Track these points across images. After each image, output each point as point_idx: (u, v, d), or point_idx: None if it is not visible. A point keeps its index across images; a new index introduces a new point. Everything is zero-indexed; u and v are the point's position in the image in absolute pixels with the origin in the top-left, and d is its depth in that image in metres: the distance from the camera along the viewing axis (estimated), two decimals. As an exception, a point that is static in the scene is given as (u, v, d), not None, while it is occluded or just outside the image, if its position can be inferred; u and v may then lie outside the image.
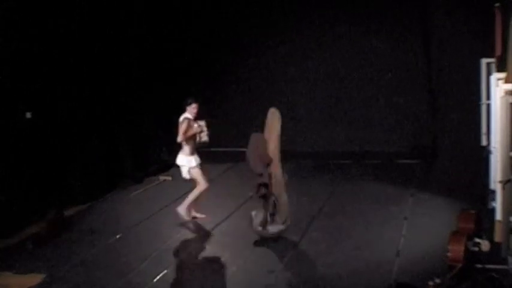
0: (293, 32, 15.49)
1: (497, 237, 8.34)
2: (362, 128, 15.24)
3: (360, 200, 11.37)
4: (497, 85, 8.89)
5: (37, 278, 8.43)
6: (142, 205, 11.63)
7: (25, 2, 10.76)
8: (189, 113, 10.29)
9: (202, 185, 10.37)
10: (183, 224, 10.45)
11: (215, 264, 8.77)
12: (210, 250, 9.34)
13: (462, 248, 7.45)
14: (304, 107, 15.61)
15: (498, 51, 9.31)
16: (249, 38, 15.64)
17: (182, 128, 10.17)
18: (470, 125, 11.20)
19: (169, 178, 13.66)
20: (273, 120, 9.77)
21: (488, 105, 9.83)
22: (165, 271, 8.56)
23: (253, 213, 9.67)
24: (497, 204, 8.51)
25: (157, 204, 11.63)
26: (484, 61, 10.30)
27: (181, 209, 10.42)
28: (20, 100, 10.80)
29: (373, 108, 15.14)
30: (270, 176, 9.54)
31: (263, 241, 9.50)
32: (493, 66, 9.70)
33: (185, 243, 9.60)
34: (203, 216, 10.61)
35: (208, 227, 10.25)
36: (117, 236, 10.05)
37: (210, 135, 10.50)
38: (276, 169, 9.66)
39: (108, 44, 12.68)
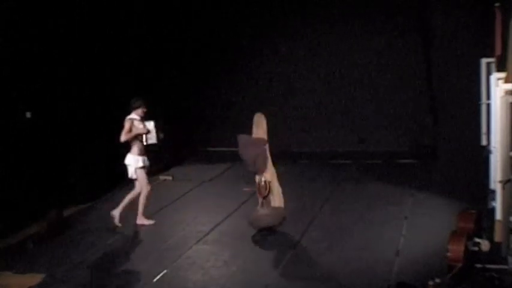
0: (293, 32, 15.50)
1: (497, 237, 8.34)
2: (362, 128, 15.25)
3: (360, 200, 11.36)
4: (497, 85, 8.89)
5: (37, 278, 8.42)
6: (142, 205, 11.63)
7: (25, 2, 10.76)
8: (136, 114, 10.30)
9: (145, 187, 10.35)
10: (182, 224, 10.46)
11: (215, 264, 8.76)
12: (210, 250, 9.33)
13: (462, 248, 7.45)
14: (304, 107, 15.61)
15: (498, 51, 9.32)
16: (248, 38, 15.64)
17: (125, 128, 10.18)
18: (470, 125, 11.19)
19: (170, 178, 13.68)
20: (259, 124, 9.99)
21: (488, 105, 9.83)
22: (165, 271, 8.56)
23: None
24: (497, 204, 8.51)
25: (157, 204, 11.61)
26: (484, 61, 10.30)
27: (140, 220, 10.41)
28: (20, 100, 10.80)
29: (373, 108, 15.15)
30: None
31: (263, 241, 9.50)
32: (493, 66, 9.70)
33: (185, 243, 9.59)
34: (151, 222, 10.53)
35: (208, 227, 10.25)
36: (117, 236, 10.05)
37: (160, 137, 10.46)
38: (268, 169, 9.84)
39: (108, 44, 12.68)
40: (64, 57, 11.50)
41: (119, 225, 10.33)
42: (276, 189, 9.81)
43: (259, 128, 10.03)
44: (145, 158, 10.44)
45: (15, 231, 10.12)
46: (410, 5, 14.32)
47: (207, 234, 9.97)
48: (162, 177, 13.68)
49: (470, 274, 7.50)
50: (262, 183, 9.73)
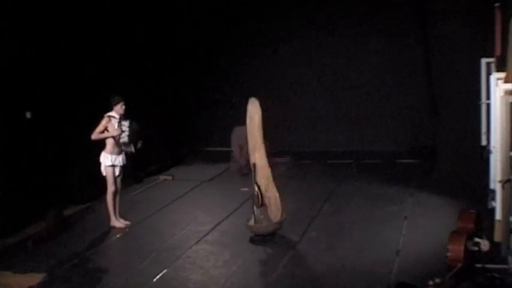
0: (293, 32, 15.51)
1: (497, 237, 8.35)
2: (362, 128, 15.27)
3: (360, 200, 11.37)
4: (497, 85, 8.90)
5: (37, 278, 8.41)
6: (142, 205, 11.63)
7: (25, 2, 10.75)
8: (116, 112, 10.06)
9: (109, 187, 10.13)
10: (182, 224, 10.45)
11: (215, 264, 8.76)
12: (210, 250, 9.33)
13: (462, 248, 7.45)
14: (304, 107, 15.63)
15: (498, 51, 9.33)
16: (249, 38, 15.65)
17: (100, 124, 9.96)
18: (470, 125, 11.19)
19: (170, 178, 13.69)
20: (253, 110, 9.72)
21: (488, 105, 9.83)
22: (165, 271, 8.55)
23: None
24: (497, 204, 8.52)
25: (157, 204, 11.63)
26: (484, 61, 10.31)
27: (114, 222, 10.26)
28: (20, 100, 10.79)
29: (373, 108, 15.17)
30: (253, 166, 9.54)
31: (263, 241, 9.49)
32: (493, 66, 9.71)
33: (185, 243, 9.59)
34: (122, 225, 10.33)
35: (208, 227, 10.25)
36: (117, 236, 10.05)
37: (132, 137, 10.16)
38: (260, 159, 9.57)
39: (109, 43, 12.68)
40: (64, 57, 11.49)
41: (128, 223, 10.32)
42: (273, 199, 9.49)
43: (253, 121, 9.68)
44: (119, 156, 10.15)
45: (15, 231, 10.12)
46: (410, 6, 14.33)
47: (207, 234, 9.96)
48: (162, 177, 13.69)
49: (470, 274, 7.50)
50: (255, 192, 9.49)
